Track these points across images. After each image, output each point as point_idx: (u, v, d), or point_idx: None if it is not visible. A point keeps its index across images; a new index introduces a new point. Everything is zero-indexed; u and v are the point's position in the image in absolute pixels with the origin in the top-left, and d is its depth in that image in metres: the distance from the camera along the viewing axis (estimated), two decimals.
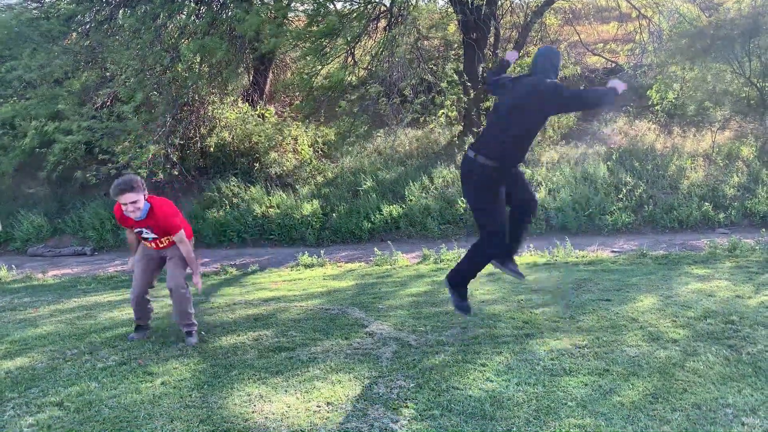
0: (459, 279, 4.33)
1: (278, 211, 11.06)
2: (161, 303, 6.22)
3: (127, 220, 4.44)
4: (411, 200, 10.83)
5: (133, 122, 10.98)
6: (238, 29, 11.16)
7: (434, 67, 13.62)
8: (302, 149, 12.68)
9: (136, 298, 4.67)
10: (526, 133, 4.06)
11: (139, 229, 4.50)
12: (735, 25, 10.66)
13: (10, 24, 12.65)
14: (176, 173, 11.62)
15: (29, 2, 13.70)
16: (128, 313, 5.75)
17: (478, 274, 4.37)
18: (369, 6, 11.76)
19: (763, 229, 8.71)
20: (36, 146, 11.60)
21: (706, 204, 9.93)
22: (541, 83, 3.98)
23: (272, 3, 12.35)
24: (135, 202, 4.23)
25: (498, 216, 4.08)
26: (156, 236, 4.50)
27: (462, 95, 12.53)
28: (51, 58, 11.74)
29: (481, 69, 12.41)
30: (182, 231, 4.47)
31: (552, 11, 15.01)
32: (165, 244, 4.59)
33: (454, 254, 8.18)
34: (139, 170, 11.24)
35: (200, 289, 4.88)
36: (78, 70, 12.58)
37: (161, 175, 11.34)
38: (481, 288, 6.07)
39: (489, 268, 6.79)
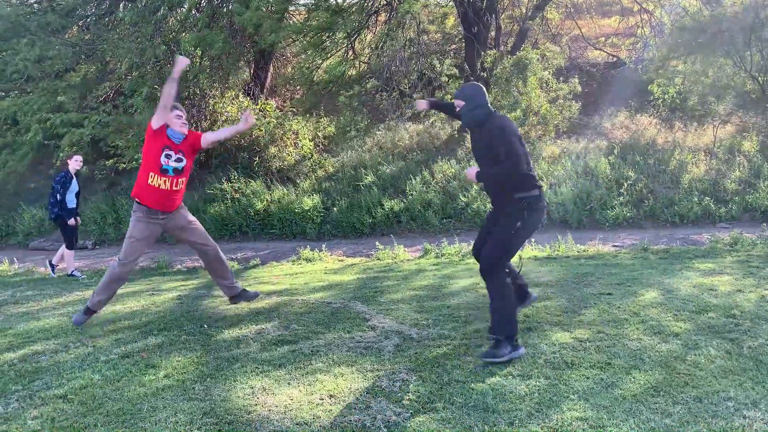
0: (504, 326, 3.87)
1: (279, 205, 11.06)
2: (163, 296, 6.24)
3: (162, 136, 4.54)
4: (412, 194, 10.83)
5: (145, 114, 11.00)
6: (238, 22, 11.15)
7: (434, 62, 13.60)
8: (303, 143, 12.68)
9: (126, 274, 4.70)
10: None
11: (169, 154, 4.53)
12: (736, 19, 10.62)
13: (9, 14, 12.63)
14: None
15: None
16: (130, 306, 5.77)
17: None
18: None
19: (764, 224, 8.71)
20: (41, 141, 11.62)
21: (707, 198, 9.93)
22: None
23: None
24: (185, 119, 4.65)
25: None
26: (181, 170, 4.55)
27: None
28: (49, 50, 11.73)
29: (480, 63, 12.38)
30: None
31: (553, 5, 14.99)
32: (178, 187, 4.61)
33: (455, 249, 8.18)
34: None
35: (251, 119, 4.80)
36: (78, 63, 12.57)
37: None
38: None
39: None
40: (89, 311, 4.54)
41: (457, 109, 4.10)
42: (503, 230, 3.97)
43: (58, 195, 7.85)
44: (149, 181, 4.48)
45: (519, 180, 3.91)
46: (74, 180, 7.99)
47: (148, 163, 4.52)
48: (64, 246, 8.13)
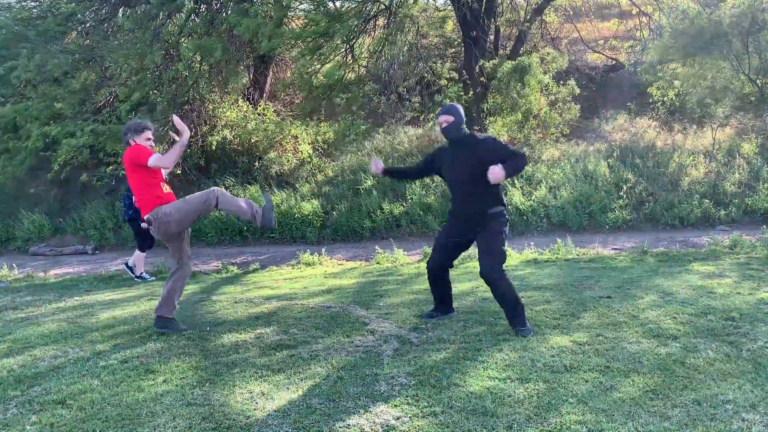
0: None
1: (279, 209, 11.07)
2: None
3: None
4: (412, 198, 10.83)
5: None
6: (236, 31, 11.16)
7: (433, 66, 13.62)
8: (302, 148, 12.69)
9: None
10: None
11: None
12: (733, 22, 10.64)
13: (8, 24, 12.66)
14: (178, 172, 11.65)
15: (28, 1, 13.71)
16: (130, 311, 5.78)
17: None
18: (367, 4, 11.75)
19: (764, 226, 8.71)
20: (40, 148, 11.62)
21: (707, 201, 9.94)
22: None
23: (271, 2, 12.36)
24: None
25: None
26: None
27: (462, 93, 12.53)
28: (48, 57, 11.74)
29: (478, 68, 12.41)
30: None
31: (552, 9, 15.02)
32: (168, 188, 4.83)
33: None
34: None
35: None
36: (78, 69, 12.59)
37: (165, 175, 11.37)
38: (483, 285, 6.08)
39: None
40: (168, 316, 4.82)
41: (444, 125, 4.48)
42: (497, 238, 4.40)
43: (132, 197, 7.83)
44: (165, 190, 4.75)
45: (501, 193, 4.50)
46: None
47: (154, 179, 4.71)
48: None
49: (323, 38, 11.35)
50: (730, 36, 10.53)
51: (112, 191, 12.69)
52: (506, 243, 4.47)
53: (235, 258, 9.45)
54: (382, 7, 11.98)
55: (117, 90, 11.76)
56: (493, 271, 4.32)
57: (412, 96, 13.00)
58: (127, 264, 8.20)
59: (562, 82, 12.89)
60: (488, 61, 12.45)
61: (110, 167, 11.68)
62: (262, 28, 10.59)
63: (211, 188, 4.78)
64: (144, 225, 7.70)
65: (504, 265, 4.40)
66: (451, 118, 4.42)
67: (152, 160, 4.58)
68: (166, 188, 4.75)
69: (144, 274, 8.07)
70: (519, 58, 12.36)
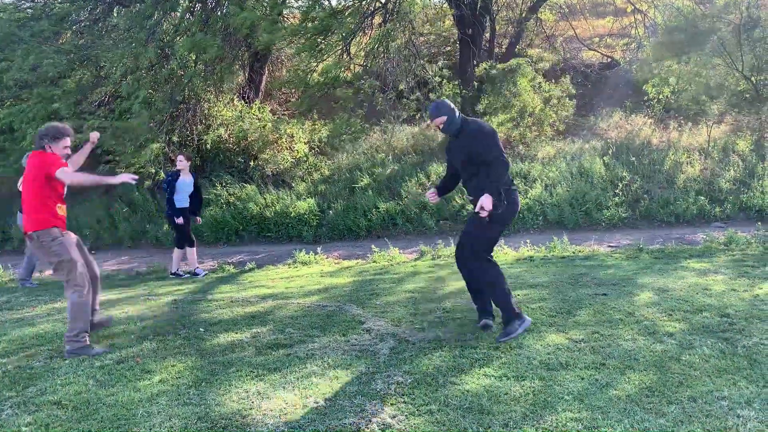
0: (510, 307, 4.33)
1: (275, 208, 11.05)
2: (158, 301, 6.22)
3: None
4: (407, 197, 10.82)
5: (142, 117, 10.96)
6: (232, 23, 11.14)
7: (429, 64, 13.62)
8: (298, 147, 12.67)
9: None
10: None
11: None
12: (728, 19, 10.67)
13: (3, 25, 12.62)
14: None
15: (23, 2, 13.67)
16: (125, 311, 5.76)
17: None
18: (364, 2, 11.73)
19: (759, 223, 8.73)
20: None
21: (702, 198, 9.95)
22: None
23: (266, 2, 12.34)
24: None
25: None
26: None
27: (457, 91, 12.53)
28: (43, 58, 11.70)
29: (471, 68, 12.42)
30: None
31: (547, 7, 15.04)
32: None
33: (450, 250, 8.19)
34: (141, 169, 11.25)
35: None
36: (73, 69, 12.55)
37: (162, 174, 11.36)
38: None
39: None
40: (83, 347, 4.36)
41: (441, 126, 4.44)
42: (479, 221, 4.27)
43: (167, 195, 7.92)
44: (60, 213, 4.48)
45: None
46: (183, 180, 7.96)
47: (52, 196, 4.41)
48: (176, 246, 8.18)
49: (321, 35, 11.35)
50: (723, 33, 10.56)
51: (108, 191, 12.66)
52: (492, 229, 4.29)
53: (232, 257, 9.44)
54: (379, 4, 11.96)
55: (117, 89, 11.73)
56: (465, 251, 4.39)
57: (409, 94, 13.00)
58: (173, 272, 8.19)
59: (554, 81, 12.90)
60: (482, 63, 12.44)
61: (108, 165, 11.65)
62: (260, 22, 10.60)
63: (75, 261, 4.43)
64: (179, 221, 7.76)
65: (487, 252, 4.35)
66: (444, 118, 4.37)
67: (60, 173, 4.26)
68: (62, 209, 4.47)
69: (179, 271, 8.13)
70: (511, 62, 12.36)
